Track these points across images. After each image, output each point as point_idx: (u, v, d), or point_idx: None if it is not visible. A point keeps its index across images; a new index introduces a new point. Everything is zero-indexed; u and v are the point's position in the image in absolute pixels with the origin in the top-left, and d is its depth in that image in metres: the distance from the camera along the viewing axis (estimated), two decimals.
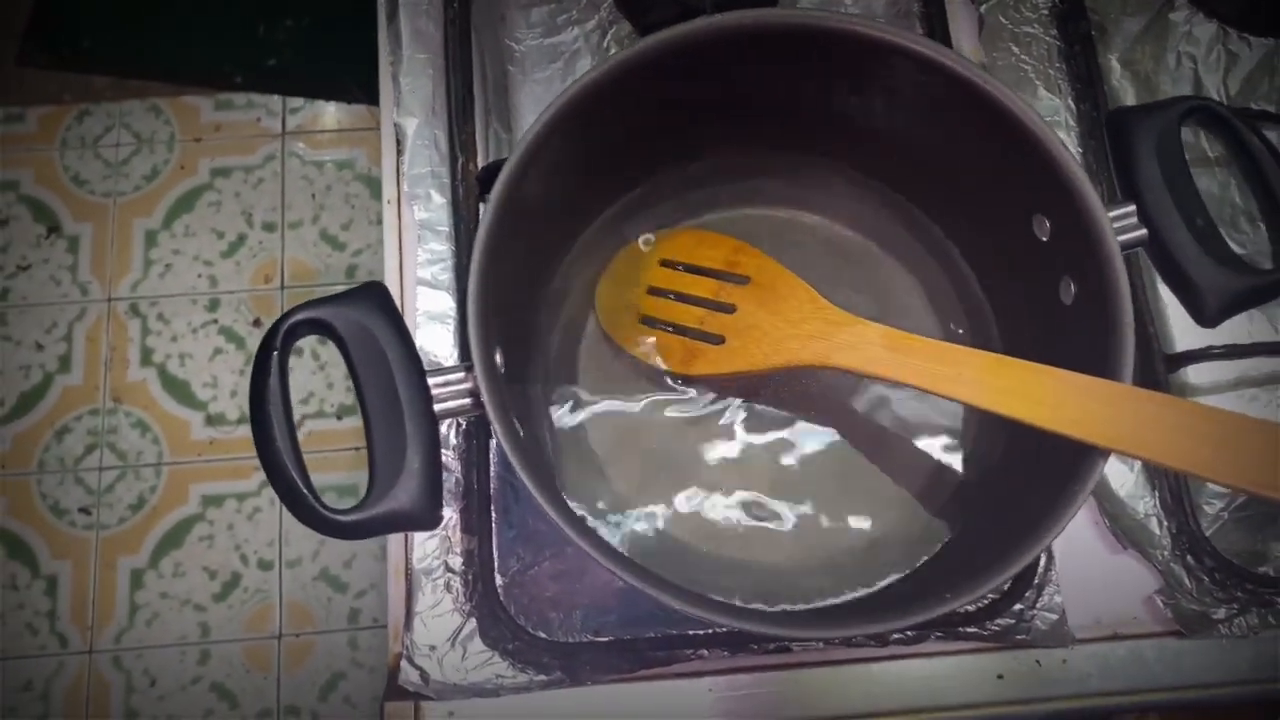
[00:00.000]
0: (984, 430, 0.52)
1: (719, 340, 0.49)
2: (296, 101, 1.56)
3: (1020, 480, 0.47)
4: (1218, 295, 0.44)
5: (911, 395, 0.52)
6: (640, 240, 0.54)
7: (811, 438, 0.52)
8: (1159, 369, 0.56)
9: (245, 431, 1.42)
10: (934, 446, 0.52)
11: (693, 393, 0.53)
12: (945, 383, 0.43)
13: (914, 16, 0.62)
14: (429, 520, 0.40)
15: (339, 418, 1.44)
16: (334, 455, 1.42)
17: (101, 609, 1.37)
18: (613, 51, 0.62)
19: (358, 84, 1.56)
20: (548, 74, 0.62)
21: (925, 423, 0.52)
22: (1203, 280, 0.43)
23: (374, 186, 1.52)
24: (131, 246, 1.50)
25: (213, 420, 1.44)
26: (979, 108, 0.44)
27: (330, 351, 1.45)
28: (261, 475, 1.40)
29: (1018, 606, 0.53)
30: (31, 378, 1.45)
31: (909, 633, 0.53)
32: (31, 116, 1.56)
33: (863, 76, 0.47)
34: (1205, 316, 0.44)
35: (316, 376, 1.45)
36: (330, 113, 1.56)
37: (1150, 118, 0.46)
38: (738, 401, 0.53)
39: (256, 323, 1.47)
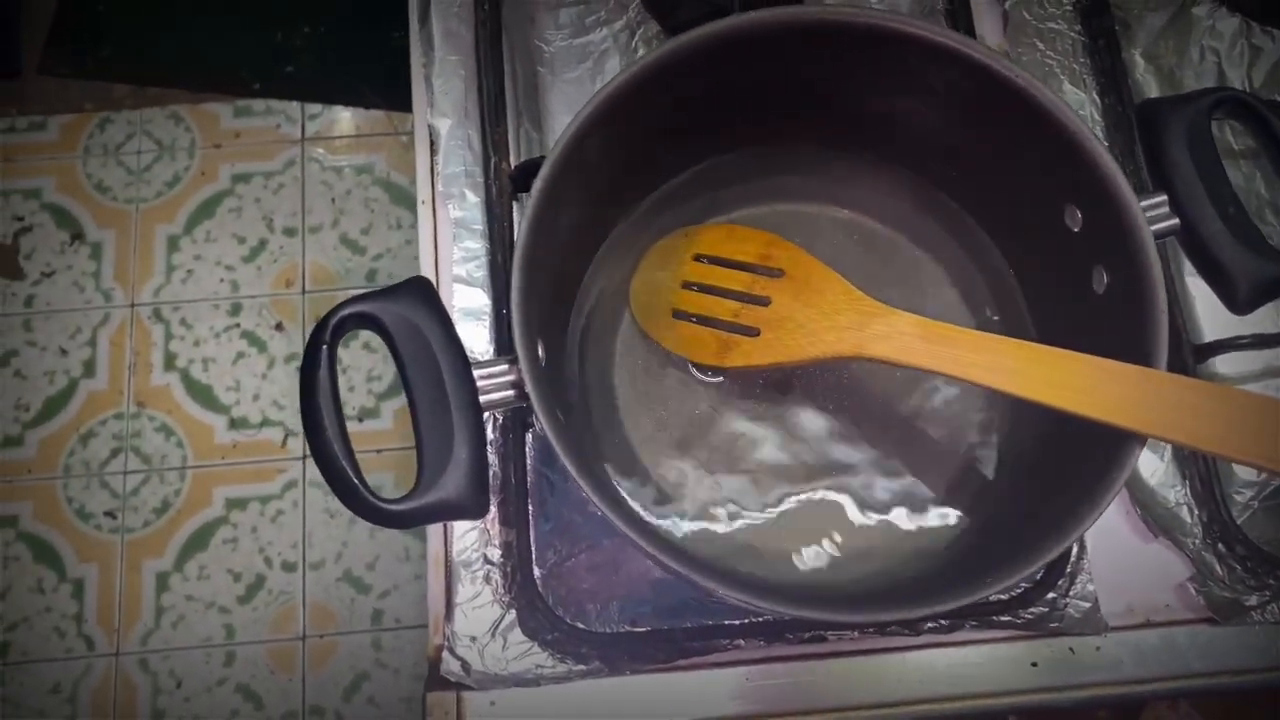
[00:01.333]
0: (1017, 418, 0.52)
1: (754, 333, 0.50)
2: (315, 108, 1.58)
3: (1054, 467, 0.48)
4: (1250, 282, 0.44)
5: (944, 384, 0.53)
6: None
7: (845, 428, 0.53)
8: (1187, 359, 0.56)
9: (268, 434, 1.44)
10: (968, 434, 0.53)
11: (725, 385, 0.53)
12: (980, 371, 0.44)
13: (939, 12, 0.63)
14: (476, 509, 0.41)
15: (360, 420, 1.45)
16: (358, 457, 1.43)
17: (128, 611, 1.38)
18: (640, 52, 0.63)
19: (375, 90, 1.57)
20: (577, 74, 0.63)
21: (958, 411, 0.53)
22: (1235, 268, 0.44)
23: (393, 191, 1.53)
24: (154, 252, 1.51)
25: (236, 424, 1.45)
26: (1010, 101, 0.45)
27: (350, 354, 1.46)
28: (285, 478, 1.42)
29: (1051, 595, 0.53)
30: (56, 383, 1.46)
31: (943, 621, 0.53)
32: (53, 125, 1.58)
33: (893, 72, 0.48)
34: (1238, 303, 0.45)
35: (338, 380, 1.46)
36: (348, 118, 1.57)
37: (1180, 108, 0.46)
38: (772, 394, 0.53)
39: (278, 326, 1.49)
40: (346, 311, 0.42)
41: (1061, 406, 0.41)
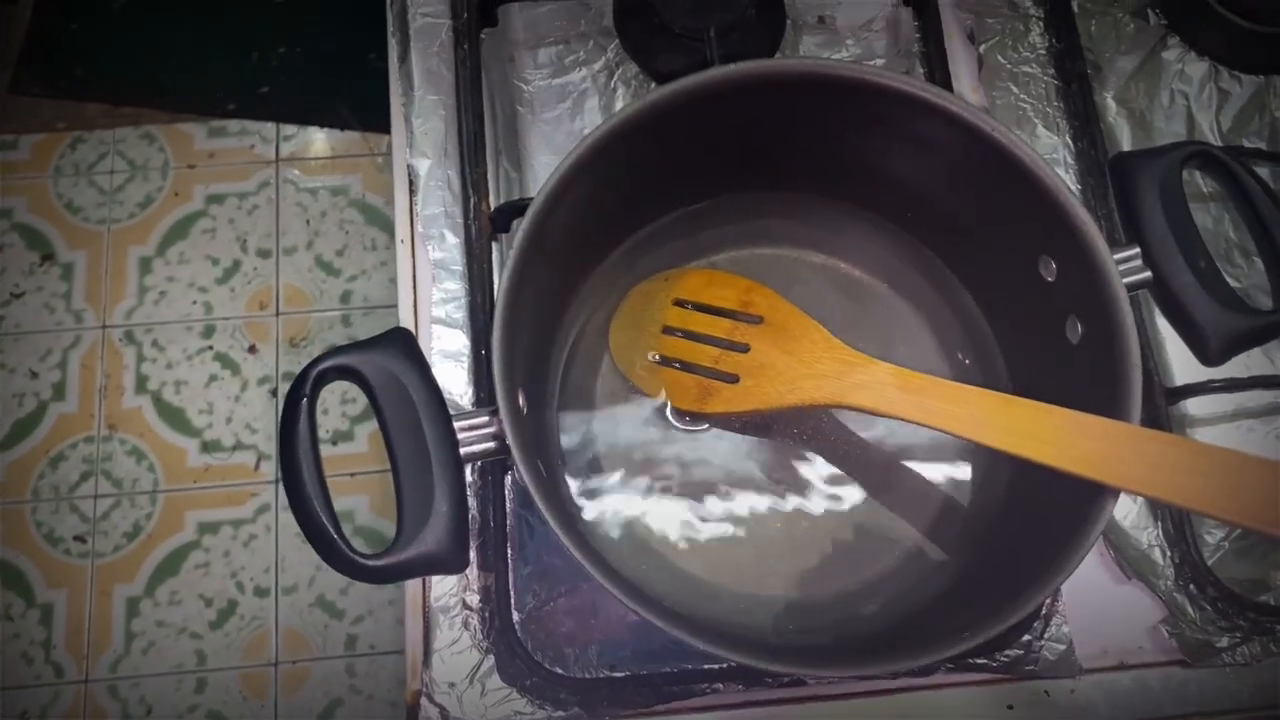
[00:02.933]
0: (991, 467, 0.53)
1: (733, 379, 0.50)
2: (290, 129, 1.57)
3: (1030, 518, 0.48)
4: (1221, 336, 0.45)
5: (921, 433, 0.53)
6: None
7: (823, 473, 0.53)
8: (1159, 402, 0.57)
9: (241, 458, 1.43)
10: (943, 482, 0.53)
11: (706, 430, 0.54)
12: (955, 421, 0.44)
13: (914, 56, 0.64)
14: (456, 563, 0.41)
15: (334, 443, 1.44)
16: (330, 480, 1.42)
17: (97, 638, 1.37)
18: (619, 92, 0.64)
19: (350, 111, 1.57)
20: (556, 114, 0.63)
21: (935, 459, 0.53)
22: (1206, 322, 0.45)
23: (368, 213, 1.53)
24: (126, 273, 1.50)
25: (208, 447, 1.44)
26: (987, 154, 0.46)
27: None
28: (258, 501, 1.41)
29: (1026, 637, 0.54)
30: (25, 405, 1.45)
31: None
32: (25, 144, 1.57)
33: (870, 123, 0.48)
34: (1209, 356, 0.46)
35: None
36: (323, 139, 1.57)
37: (1152, 163, 0.47)
38: (751, 438, 0.54)
39: (252, 349, 1.48)
40: (327, 364, 0.42)
41: (1034, 458, 0.42)
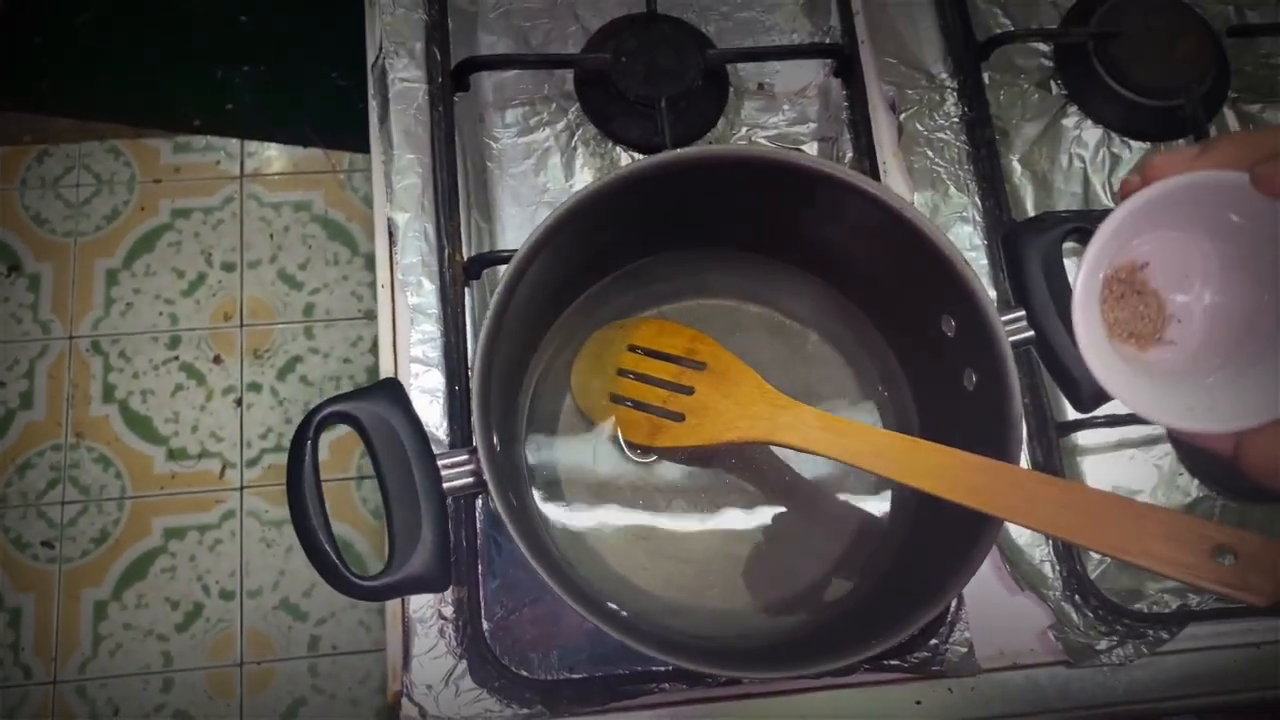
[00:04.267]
0: (900, 494, 0.61)
1: (680, 418, 0.57)
2: (254, 145, 1.62)
3: (932, 537, 0.56)
4: (1091, 387, 0.53)
5: (842, 465, 0.61)
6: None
7: (756, 499, 0.61)
8: (1051, 435, 0.65)
9: (206, 465, 1.48)
10: (861, 507, 0.61)
11: (655, 460, 0.61)
12: (867, 459, 0.51)
13: (843, 123, 0.72)
14: (441, 583, 0.48)
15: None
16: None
17: (65, 640, 1.41)
18: (579, 151, 0.70)
19: (313, 128, 1.62)
20: (522, 169, 0.70)
21: (854, 488, 0.61)
22: (1080, 376, 0.53)
23: (330, 228, 1.58)
24: (93, 285, 1.54)
25: (174, 455, 1.49)
26: (896, 226, 0.53)
27: (287, 387, 1.51)
28: (223, 508, 1.46)
29: (933, 641, 0.62)
30: None
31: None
32: None
33: (799, 197, 0.55)
34: (1082, 404, 0.53)
35: (275, 412, 1.51)
36: (287, 155, 1.62)
37: (1037, 235, 0.55)
38: (695, 468, 0.61)
39: (217, 359, 1.52)
40: (328, 410, 0.49)
41: (931, 491, 0.49)
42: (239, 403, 1.50)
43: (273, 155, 1.62)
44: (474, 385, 0.49)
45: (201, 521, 1.47)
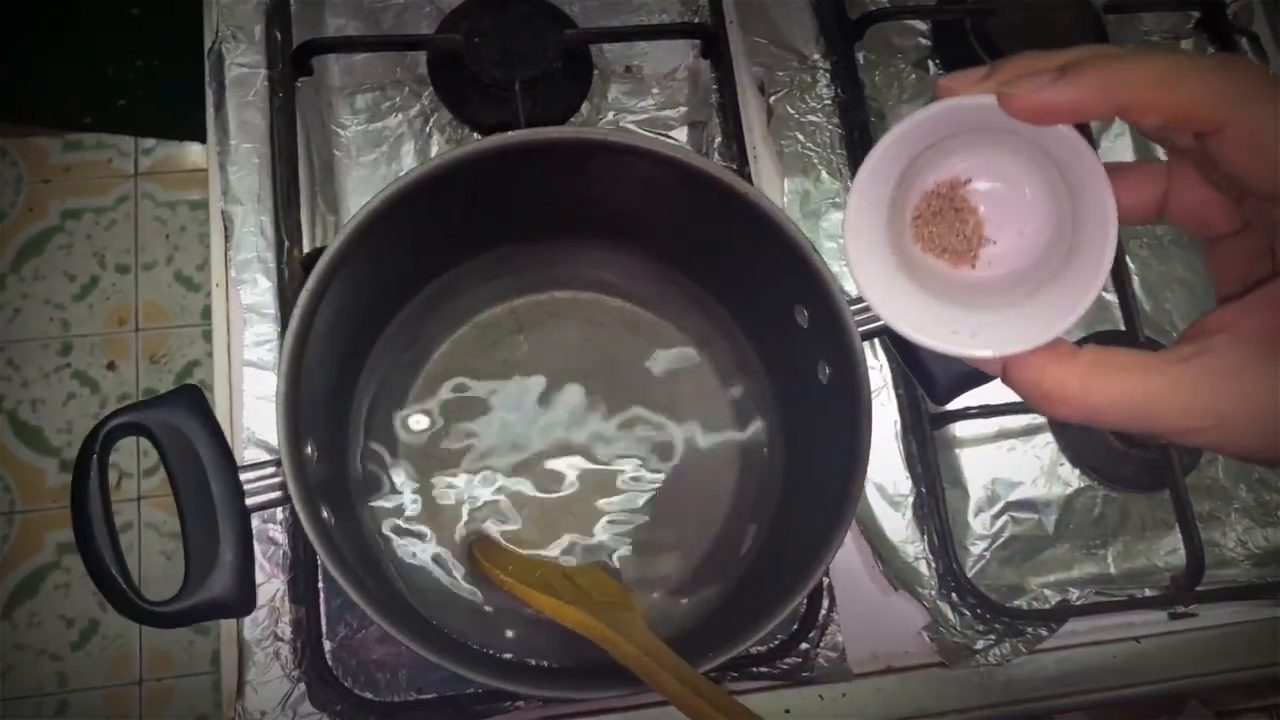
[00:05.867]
0: (760, 509, 0.58)
1: None
2: (149, 142, 1.56)
3: (779, 555, 0.54)
4: (947, 378, 0.50)
5: (702, 486, 0.58)
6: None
7: (607, 513, 0.58)
8: (925, 426, 0.63)
9: None
10: (715, 526, 0.58)
11: (500, 478, 0.57)
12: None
13: (712, 107, 0.68)
14: (242, 608, 0.44)
15: None
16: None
17: None
18: (434, 137, 0.67)
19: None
20: (373, 157, 0.66)
21: (716, 498, 0.58)
22: (934, 366, 0.50)
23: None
24: None
25: (67, 466, 1.42)
26: (745, 214, 0.50)
27: None
28: (119, 520, 1.39)
29: (804, 646, 0.59)
30: None
31: (711, 674, 0.58)
32: None
33: (639, 181, 0.52)
34: (937, 396, 0.51)
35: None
36: (183, 153, 1.56)
37: None
38: (545, 488, 0.58)
39: (111, 366, 1.47)
40: (116, 422, 0.45)
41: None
42: None
43: (168, 153, 1.56)
44: (279, 387, 0.46)
45: None
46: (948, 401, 0.51)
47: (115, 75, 1.57)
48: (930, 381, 0.51)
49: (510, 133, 0.48)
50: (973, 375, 0.51)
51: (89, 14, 1.58)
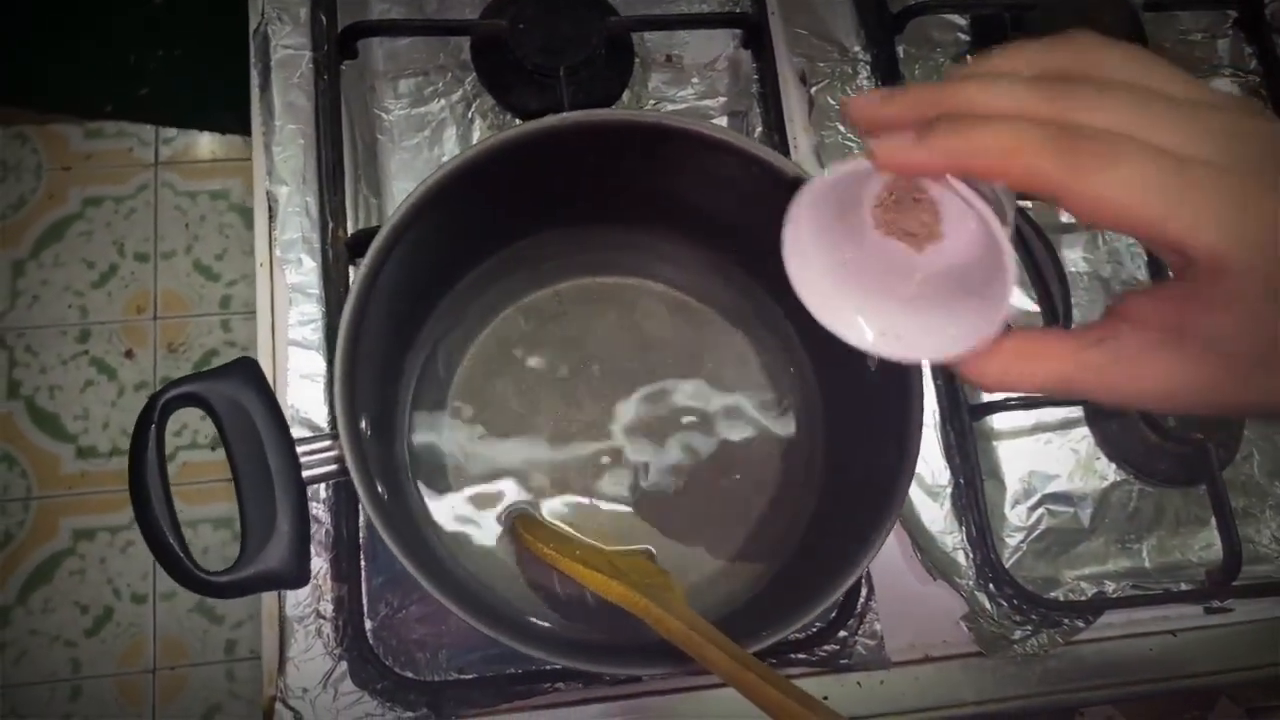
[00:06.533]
0: (804, 492, 0.58)
1: None
2: (169, 131, 1.56)
3: (831, 535, 0.54)
4: None
5: (736, 459, 0.58)
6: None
7: (652, 488, 0.58)
8: (964, 417, 0.63)
9: (118, 464, 1.42)
10: (762, 501, 0.58)
11: (552, 464, 0.58)
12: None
13: (753, 97, 0.69)
14: (297, 580, 0.44)
15: (212, 448, 1.44)
16: (208, 486, 1.42)
17: None
18: (476, 123, 0.67)
19: (231, 114, 1.56)
20: (415, 142, 0.66)
21: (754, 478, 0.58)
22: None
23: (248, 217, 1.52)
24: None
25: (84, 453, 1.43)
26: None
27: None
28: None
29: (842, 633, 0.59)
30: None
31: None
32: None
33: (690, 165, 0.52)
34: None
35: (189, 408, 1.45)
36: (204, 143, 1.56)
37: None
38: (591, 475, 0.58)
39: (129, 354, 1.47)
40: (174, 392, 0.45)
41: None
42: None
43: (189, 142, 1.57)
44: (336, 365, 0.46)
45: (112, 522, 1.41)
46: (998, 390, 0.51)
47: (137, 63, 1.57)
48: None
49: (584, 111, 0.49)
50: None
51: (111, 2, 1.59)
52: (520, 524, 0.55)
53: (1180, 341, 0.32)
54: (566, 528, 0.57)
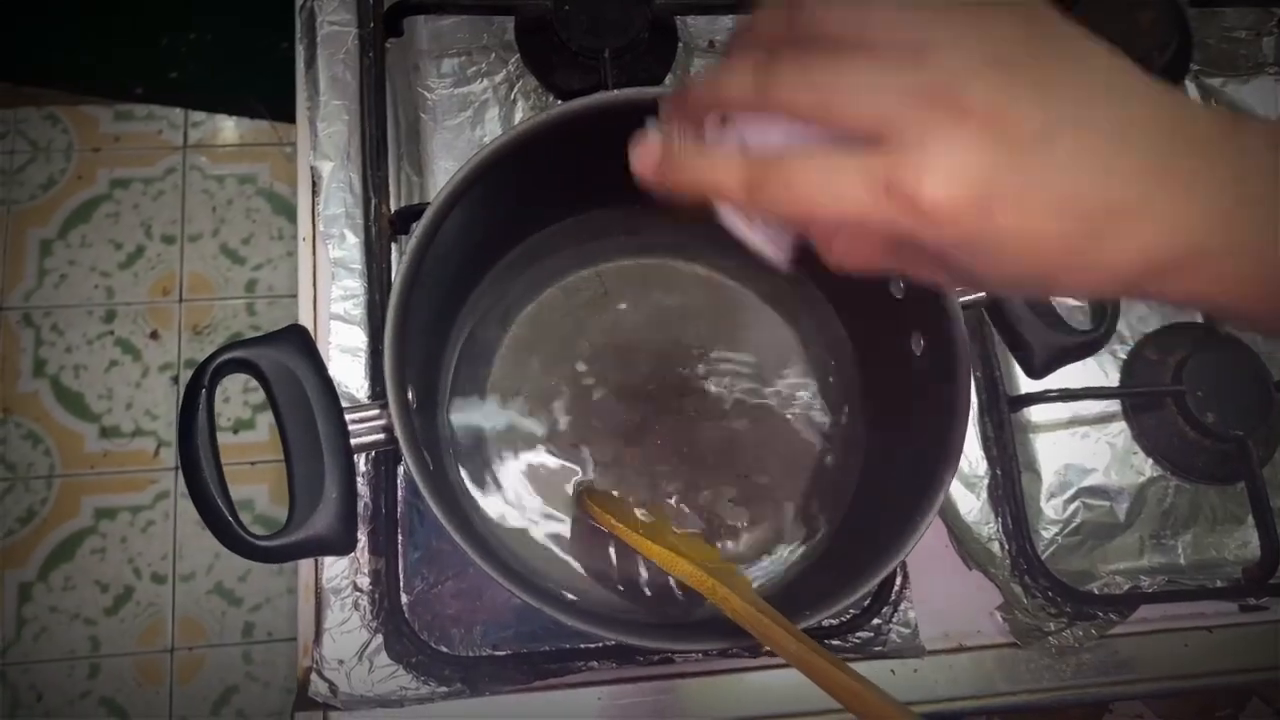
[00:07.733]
0: (836, 480, 0.58)
1: None
2: (198, 115, 1.57)
3: (870, 520, 0.54)
4: (1045, 351, 0.50)
5: (778, 444, 0.58)
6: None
7: (698, 471, 0.58)
8: (1003, 408, 0.63)
9: (140, 444, 1.43)
10: (802, 483, 0.58)
11: (589, 433, 0.58)
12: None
13: None
14: (344, 545, 0.44)
15: (235, 432, 1.45)
16: (229, 469, 1.42)
17: None
18: (519, 104, 0.67)
19: (260, 99, 1.56)
20: (458, 121, 0.66)
21: (793, 464, 0.58)
22: (1033, 339, 0.50)
23: (275, 202, 1.53)
24: (25, 255, 1.48)
25: (107, 432, 1.43)
26: None
27: None
28: (157, 488, 1.41)
29: (876, 621, 0.59)
30: None
31: None
32: None
33: None
34: (1034, 369, 0.51)
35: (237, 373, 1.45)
36: (232, 127, 1.57)
37: None
38: (630, 436, 0.58)
39: (154, 335, 1.47)
40: (225, 357, 0.45)
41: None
42: (175, 380, 1.45)
43: (218, 126, 1.57)
44: (387, 335, 0.46)
45: (134, 502, 1.42)
46: (1045, 375, 0.51)
47: (168, 47, 1.58)
48: (1028, 355, 0.50)
49: (634, 88, 0.49)
50: (1071, 348, 0.51)
51: None
52: (589, 496, 0.55)
53: None
54: (633, 505, 0.56)
